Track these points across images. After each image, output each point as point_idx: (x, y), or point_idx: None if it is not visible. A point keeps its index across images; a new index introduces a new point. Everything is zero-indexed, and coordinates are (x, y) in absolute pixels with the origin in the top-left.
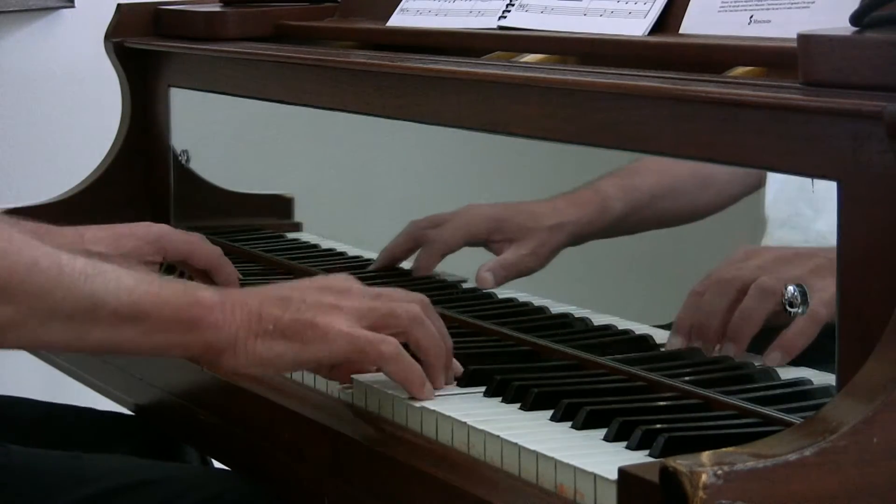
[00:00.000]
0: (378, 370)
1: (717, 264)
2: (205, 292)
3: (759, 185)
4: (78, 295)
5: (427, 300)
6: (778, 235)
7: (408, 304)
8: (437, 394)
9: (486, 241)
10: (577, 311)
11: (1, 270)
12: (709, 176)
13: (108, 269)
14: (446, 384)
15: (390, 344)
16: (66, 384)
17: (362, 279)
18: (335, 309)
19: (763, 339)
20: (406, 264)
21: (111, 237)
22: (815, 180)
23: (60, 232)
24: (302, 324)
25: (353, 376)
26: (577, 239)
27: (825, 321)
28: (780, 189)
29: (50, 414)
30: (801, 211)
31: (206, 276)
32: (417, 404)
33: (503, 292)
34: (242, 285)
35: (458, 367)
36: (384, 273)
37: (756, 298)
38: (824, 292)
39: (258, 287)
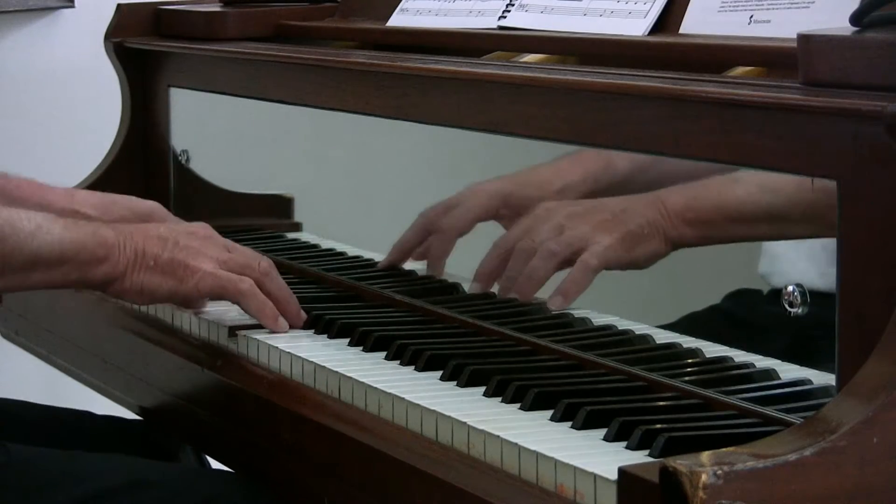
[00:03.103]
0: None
1: (527, 218)
2: (106, 231)
3: None
4: (27, 252)
5: (272, 262)
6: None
7: (259, 259)
8: (435, 392)
9: (496, 216)
10: (577, 312)
11: None
12: None
13: (43, 221)
14: (297, 326)
15: (246, 282)
16: (67, 385)
17: (366, 279)
18: (203, 253)
19: (763, 339)
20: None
21: (101, 203)
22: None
23: (51, 189)
24: (177, 263)
25: (363, 381)
26: (586, 198)
27: (596, 269)
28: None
29: (50, 417)
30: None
31: None
32: (416, 402)
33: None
34: None
35: (303, 317)
36: (380, 274)
37: (540, 259)
38: (598, 245)
39: (143, 225)
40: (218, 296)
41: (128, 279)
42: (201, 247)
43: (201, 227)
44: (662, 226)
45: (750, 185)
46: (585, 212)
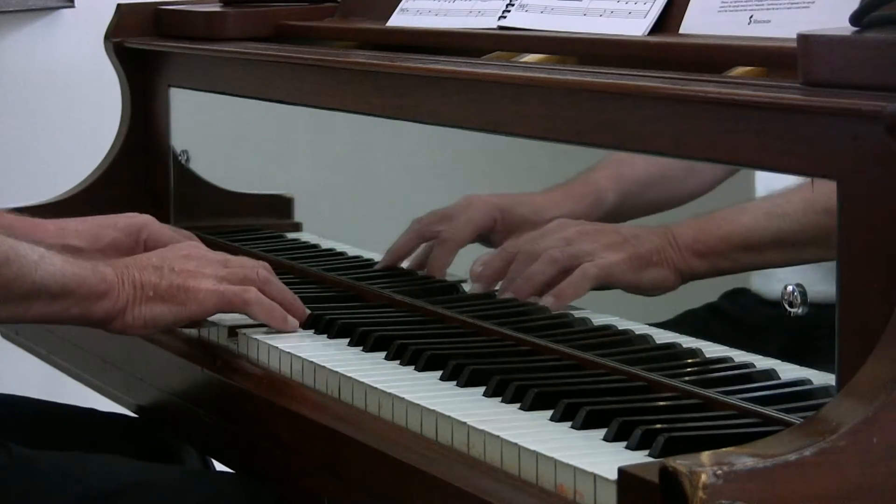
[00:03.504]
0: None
1: (537, 230)
2: (105, 269)
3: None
4: (29, 283)
5: (269, 267)
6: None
7: (257, 268)
8: (435, 392)
9: (493, 230)
10: (577, 312)
11: None
12: (694, 163)
13: (45, 253)
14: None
15: (251, 291)
16: (67, 383)
17: (366, 279)
18: (199, 273)
19: (763, 339)
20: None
21: (90, 230)
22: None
23: (43, 226)
24: (176, 288)
25: (363, 381)
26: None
27: (595, 278)
28: (771, 182)
29: (51, 414)
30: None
31: None
32: (416, 402)
33: (503, 292)
34: None
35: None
36: (380, 274)
37: (541, 263)
38: (604, 259)
39: (135, 257)
40: (225, 311)
41: (129, 314)
42: (197, 267)
43: (192, 248)
44: (672, 257)
45: (757, 213)
46: (596, 231)
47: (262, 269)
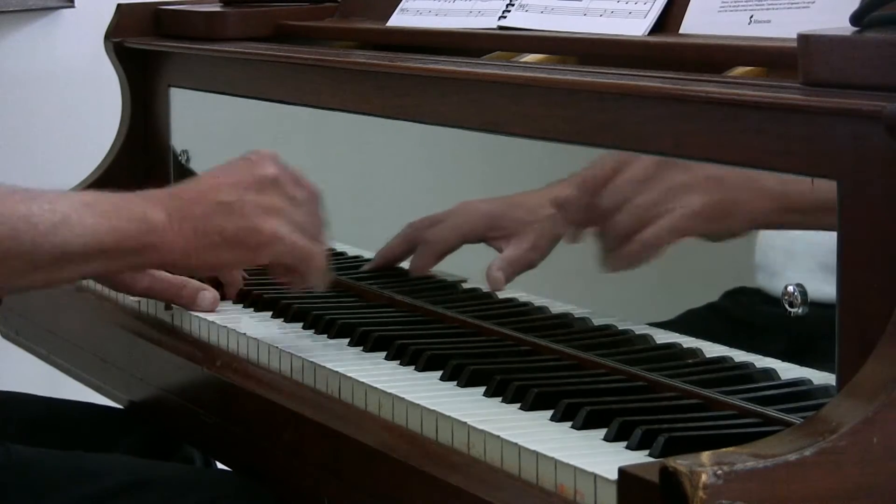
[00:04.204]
0: None
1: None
2: (154, 214)
3: None
4: (49, 248)
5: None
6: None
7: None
8: (436, 392)
9: (484, 238)
10: (577, 311)
11: None
12: None
13: (69, 210)
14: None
15: (317, 258)
16: (68, 383)
17: (366, 279)
18: (273, 212)
19: (762, 338)
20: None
21: None
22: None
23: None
24: (246, 231)
25: (363, 381)
26: (578, 224)
27: (682, 232)
28: None
29: (50, 409)
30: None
31: None
32: (416, 402)
33: (503, 292)
34: (246, 284)
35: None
36: (379, 274)
37: (662, 230)
38: (688, 207)
39: (196, 187)
40: (287, 264)
41: (193, 259)
42: (270, 202)
43: (266, 167)
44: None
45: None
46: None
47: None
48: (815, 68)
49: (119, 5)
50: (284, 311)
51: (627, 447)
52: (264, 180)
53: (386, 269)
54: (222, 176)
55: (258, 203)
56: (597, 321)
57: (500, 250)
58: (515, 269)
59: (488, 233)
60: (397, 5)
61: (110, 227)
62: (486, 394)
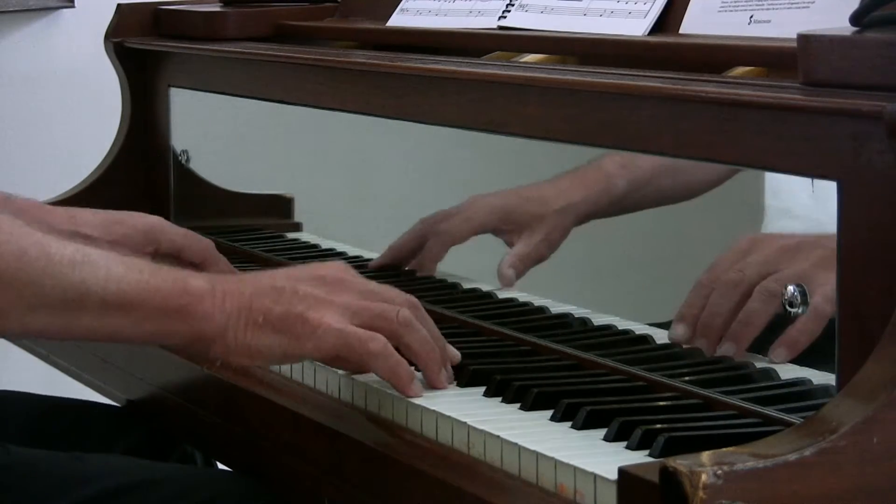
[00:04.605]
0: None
1: (723, 252)
2: (195, 280)
3: None
4: (66, 284)
5: (417, 303)
6: (778, 225)
7: (399, 307)
8: (436, 393)
9: (495, 231)
10: (577, 311)
11: None
12: None
13: (97, 256)
14: (447, 383)
15: (378, 341)
16: (68, 383)
17: (370, 278)
18: (327, 303)
19: (763, 338)
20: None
21: (103, 223)
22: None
23: (51, 211)
24: (293, 317)
25: (353, 377)
26: (584, 219)
27: (829, 316)
28: (780, 179)
29: (50, 409)
30: (802, 201)
31: (198, 270)
32: (416, 402)
33: (503, 292)
34: None
35: (455, 356)
36: (385, 272)
37: (760, 301)
38: (827, 286)
39: (252, 274)
40: (346, 357)
41: (231, 338)
42: (328, 294)
43: (333, 269)
44: None
45: None
46: (799, 246)
47: (405, 308)
48: (815, 68)
49: (119, 5)
50: None
51: (627, 447)
52: (324, 277)
53: (394, 265)
54: (283, 271)
55: (312, 293)
56: (597, 321)
57: (510, 244)
58: (527, 265)
59: (500, 226)
60: (397, 5)
61: (140, 280)
62: (486, 394)
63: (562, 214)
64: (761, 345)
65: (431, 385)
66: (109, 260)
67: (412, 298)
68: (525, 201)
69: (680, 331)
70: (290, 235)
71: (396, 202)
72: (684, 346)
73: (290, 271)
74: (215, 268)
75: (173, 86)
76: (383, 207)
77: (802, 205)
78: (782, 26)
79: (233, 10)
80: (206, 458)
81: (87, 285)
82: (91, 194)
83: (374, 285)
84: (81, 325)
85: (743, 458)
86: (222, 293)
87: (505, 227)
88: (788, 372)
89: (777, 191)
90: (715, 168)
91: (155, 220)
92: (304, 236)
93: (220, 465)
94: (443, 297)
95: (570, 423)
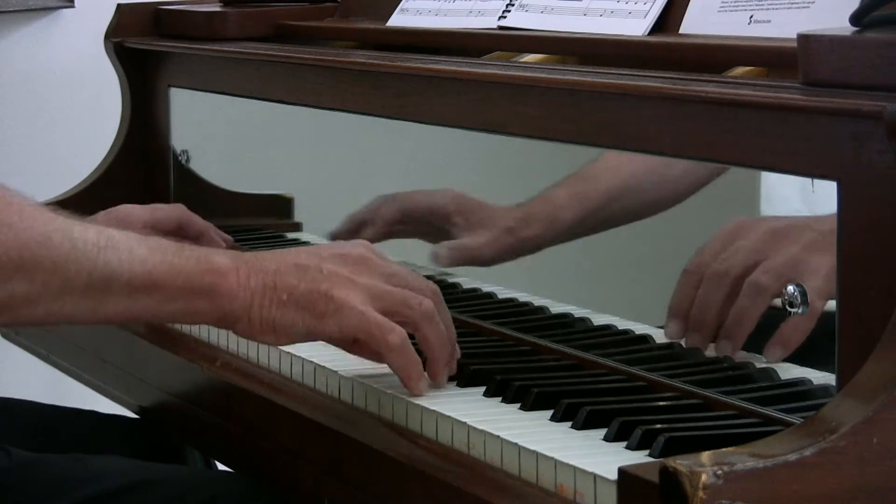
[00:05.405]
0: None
1: (710, 238)
2: (220, 258)
3: (717, 173)
4: (91, 268)
5: (439, 291)
6: None
7: (422, 297)
8: (436, 393)
9: (447, 218)
10: (577, 311)
11: (12, 245)
12: (664, 172)
13: (121, 238)
14: (446, 381)
15: (398, 335)
16: (68, 385)
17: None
18: (351, 283)
19: (762, 337)
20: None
21: (117, 218)
22: (815, 181)
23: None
24: (317, 295)
25: (353, 377)
26: (529, 249)
27: (821, 311)
28: (776, 185)
29: (51, 416)
30: (795, 206)
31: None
32: (417, 402)
33: (503, 292)
34: None
35: (457, 353)
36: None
37: (749, 297)
38: (818, 276)
39: (277, 251)
40: (365, 342)
41: (255, 315)
42: (352, 274)
43: (357, 248)
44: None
45: None
46: (788, 229)
47: (427, 298)
48: (814, 68)
49: (119, 5)
50: None
51: (627, 447)
52: (348, 256)
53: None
54: (305, 249)
55: (337, 272)
56: (597, 321)
57: (455, 237)
58: (464, 256)
59: (452, 216)
60: (397, 5)
61: (164, 261)
62: (486, 394)
63: (507, 234)
64: (761, 344)
65: (433, 377)
66: (132, 241)
67: (433, 286)
68: (482, 208)
69: (673, 327)
70: (290, 235)
71: None
72: (684, 346)
73: (313, 249)
74: (214, 239)
75: (173, 86)
76: None
77: (795, 210)
78: (782, 26)
79: (233, 10)
80: (206, 458)
81: (112, 269)
82: (91, 194)
83: (396, 268)
84: (108, 309)
85: (743, 458)
86: (247, 271)
87: (458, 218)
88: (788, 372)
89: (770, 197)
90: (677, 185)
91: (179, 209)
92: (304, 236)
93: (220, 466)
94: (443, 297)
95: (570, 423)
